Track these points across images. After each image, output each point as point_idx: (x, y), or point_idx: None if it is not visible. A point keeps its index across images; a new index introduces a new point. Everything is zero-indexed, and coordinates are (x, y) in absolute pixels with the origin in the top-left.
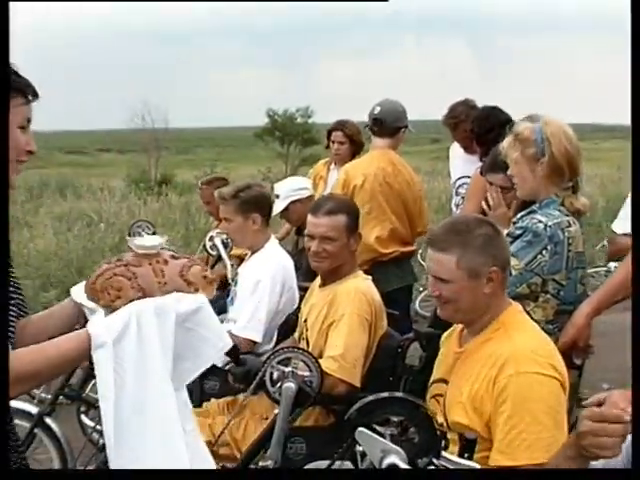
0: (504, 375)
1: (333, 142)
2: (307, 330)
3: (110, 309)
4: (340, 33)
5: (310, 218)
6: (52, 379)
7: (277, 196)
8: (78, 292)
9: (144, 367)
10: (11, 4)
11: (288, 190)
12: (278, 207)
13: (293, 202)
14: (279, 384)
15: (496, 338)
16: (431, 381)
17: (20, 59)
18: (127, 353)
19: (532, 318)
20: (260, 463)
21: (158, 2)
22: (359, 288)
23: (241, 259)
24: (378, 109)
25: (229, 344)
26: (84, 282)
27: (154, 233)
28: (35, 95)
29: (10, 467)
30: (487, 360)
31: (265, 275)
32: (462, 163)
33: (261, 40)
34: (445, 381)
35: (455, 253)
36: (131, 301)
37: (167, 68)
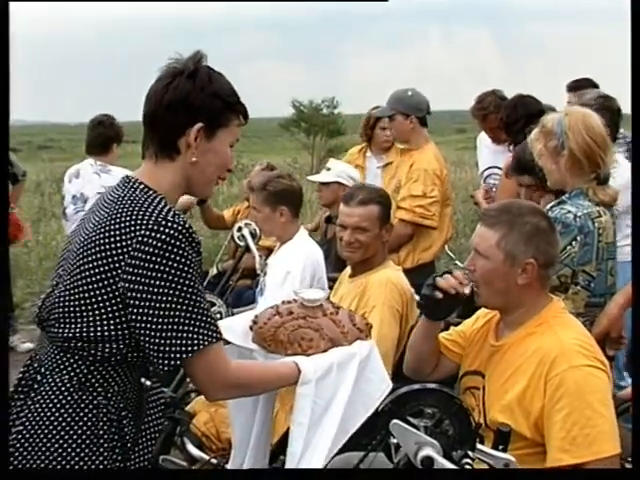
0: (557, 371)
1: (383, 129)
2: None
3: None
4: (366, 24)
5: (343, 207)
6: (256, 394)
7: (328, 169)
8: (234, 332)
9: (336, 404)
10: (11, 4)
11: (341, 170)
12: (324, 177)
13: (338, 183)
14: None
15: (539, 333)
16: (463, 372)
17: (48, 54)
18: (325, 390)
19: None
20: None
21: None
22: (390, 279)
23: (270, 250)
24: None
25: (390, 385)
26: (237, 321)
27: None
28: (246, 119)
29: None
30: (532, 355)
31: (295, 266)
32: (490, 153)
33: (287, 31)
34: (480, 374)
35: (499, 231)
36: (324, 351)
37: None
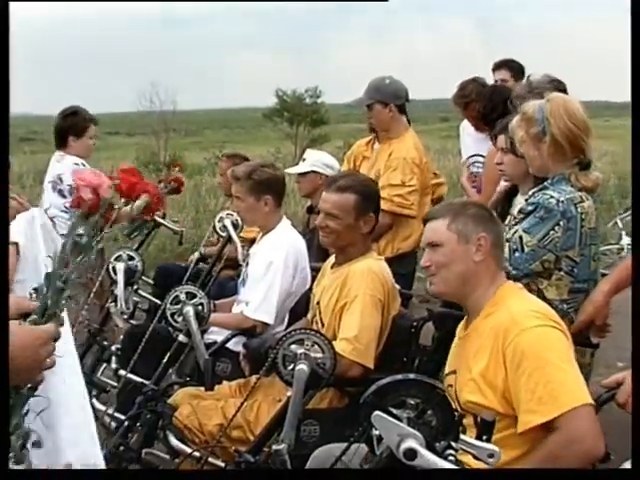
0: (509, 339)
1: None
2: (320, 312)
3: None
4: (349, 14)
5: (323, 192)
6: None
7: (304, 159)
8: None
9: None
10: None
11: (317, 159)
12: (301, 168)
13: (315, 172)
14: (291, 366)
15: (496, 312)
16: (445, 374)
17: (28, 43)
18: None
19: (545, 297)
20: (273, 446)
21: None
22: (371, 268)
23: (251, 240)
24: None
25: None
26: None
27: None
28: None
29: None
30: (489, 333)
31: (277, 256)
32: (473, 141)
33: (270, 21)
34: (454, 372)
35: (447, 218)
36: None
37: (174, 51)
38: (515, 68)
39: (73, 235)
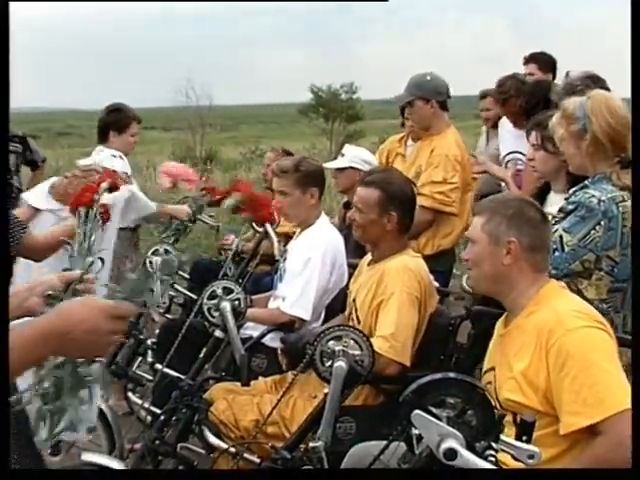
0: (555, 339)
1: None
2: (356, 310)
3: None
4: (380, 11)
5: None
6: None
7: (342, 155)
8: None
9: None
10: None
11: (355, 155)
12: (339, 163)
13: (353, 168)
14: (329, 363)
15: (539, 310)
16: (483, 371)
17: (64, 39)
18: None
19: (585, 297)
20: (310, 443)
21: None
22: (408, 265)
23: (285, 235)
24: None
25: None
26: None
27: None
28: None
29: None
30: (532, 331)
31: (315, 252)
32: (512, 138)
33: (305, 17)
34: (493, 369)
35: (484, 216)
36: None
37: (211, 47)
38: (543, 61)
39: None
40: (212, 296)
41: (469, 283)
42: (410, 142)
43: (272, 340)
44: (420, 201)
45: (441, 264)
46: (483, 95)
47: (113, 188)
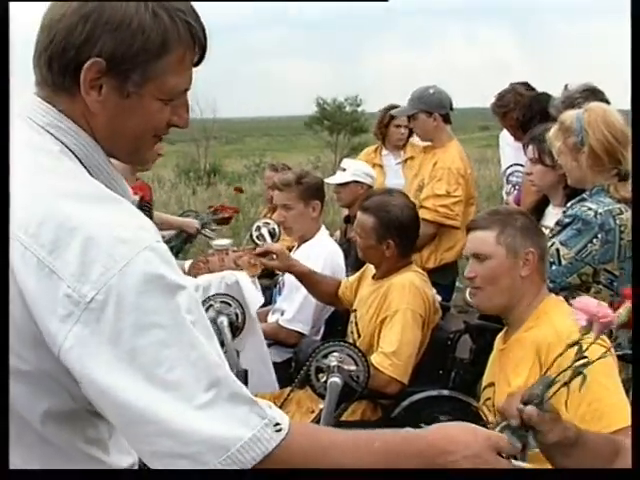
0: (553, 354)
1: (397, 126)
2: (356, 321)
3: None
4: (386, 21)
5: None
6: None
7: (343, 169)
8: None
9: None
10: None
11: (357, 169)
12: (342, 178)
13: (356, 182)
14: (325, 378)
15: (538, 325)
16: (482, 387)
17: None
18: None
19: None
20: None
21: None
22: (413, 283)
23: (288, 249)
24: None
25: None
26: None
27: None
28: None
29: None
30: (530, 346)
31: (314, 267)
32: (512, 151)
33: (309, 29)
34: (493, 384)
35: (495, 229)
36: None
37: (215, 58)
38: None
39: None
40: (209, 310)
41: (477, 302)
42: (385, 151)
43: (271, 355)
44: (423, 214)
45: (444, 277)
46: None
47: None
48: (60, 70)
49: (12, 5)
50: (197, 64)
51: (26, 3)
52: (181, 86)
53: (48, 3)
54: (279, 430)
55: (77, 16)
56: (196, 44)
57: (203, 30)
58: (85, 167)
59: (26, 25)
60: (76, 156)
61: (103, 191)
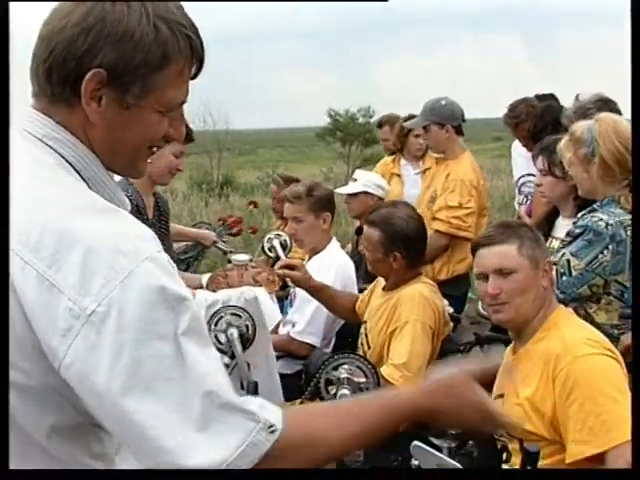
0: (562, 366)
1: (417, 136)
2: (367, 332)
3: None
4: (396, 30)
5: None
6: None
7: (354, 180)
8: None
9: None
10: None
11: (369, 180)
12: (352, 188)
13: (366, 193)
14: (334, 391)
15: (547, 337)
16: (492, 398)
17: None
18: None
19: (595, 321)
20: None
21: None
22: (423, 294)
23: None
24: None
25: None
26: None
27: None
28: None
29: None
30: (539, 358)
31: (325, 279)
32: (525, 161)
33: (321, 40)
34: (502, 396)
35: (514, 242)
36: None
37: (227, 70)
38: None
39: None
40: (220, 322)
41: (503, 318)
42: (403, 161)
43: (282, 367)
44: (436, 226)
45: (456, 289)
46: (379, 124)
47: None
48: (60, 81)
49: (12, 5)
50: (194, 77)
51: (26, 3)
52: (179, 98)
53: (48, 4)
54: (273, 431)
55: (79, 28)
56: (194, 57)
57: (201, 44)
58: (83, 178)
59: (26, 25)
60: (73, 168)
61: (101, 202)
